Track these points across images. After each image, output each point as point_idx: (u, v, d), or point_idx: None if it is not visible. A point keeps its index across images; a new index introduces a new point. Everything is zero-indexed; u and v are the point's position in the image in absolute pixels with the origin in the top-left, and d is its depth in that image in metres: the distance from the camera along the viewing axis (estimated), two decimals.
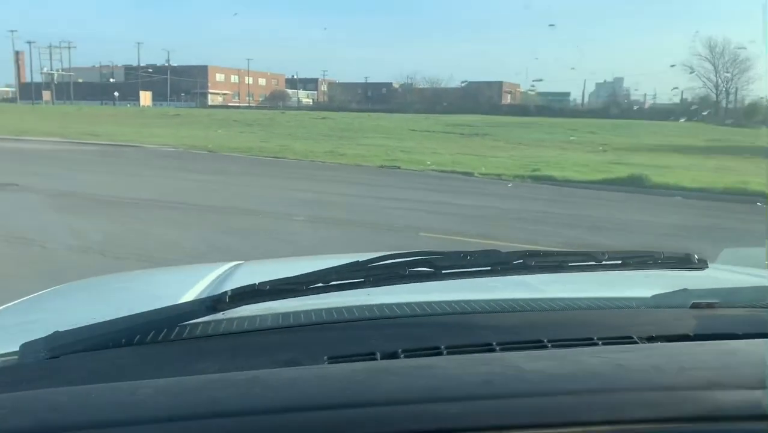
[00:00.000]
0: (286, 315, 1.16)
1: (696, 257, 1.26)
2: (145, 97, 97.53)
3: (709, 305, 1.23)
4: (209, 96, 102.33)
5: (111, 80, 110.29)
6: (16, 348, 0.99)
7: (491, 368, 0.85)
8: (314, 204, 11.00)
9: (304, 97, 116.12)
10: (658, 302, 1.29)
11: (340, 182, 14.43)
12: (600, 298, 1.33)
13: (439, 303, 1.24)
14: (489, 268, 1.11)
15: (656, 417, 0.73)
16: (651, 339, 1.05)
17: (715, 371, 0.85)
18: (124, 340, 1.02)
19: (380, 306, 1.21)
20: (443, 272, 1.09)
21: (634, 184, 14.56)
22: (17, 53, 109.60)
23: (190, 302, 1.14)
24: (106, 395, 0.79)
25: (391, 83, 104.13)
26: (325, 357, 0.95)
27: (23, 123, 34.57)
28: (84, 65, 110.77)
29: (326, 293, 1.06)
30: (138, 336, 1.03)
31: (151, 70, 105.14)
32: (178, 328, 1.07)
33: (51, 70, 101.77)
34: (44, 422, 0.72)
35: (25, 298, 1.63)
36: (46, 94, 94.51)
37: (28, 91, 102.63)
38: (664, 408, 0.75)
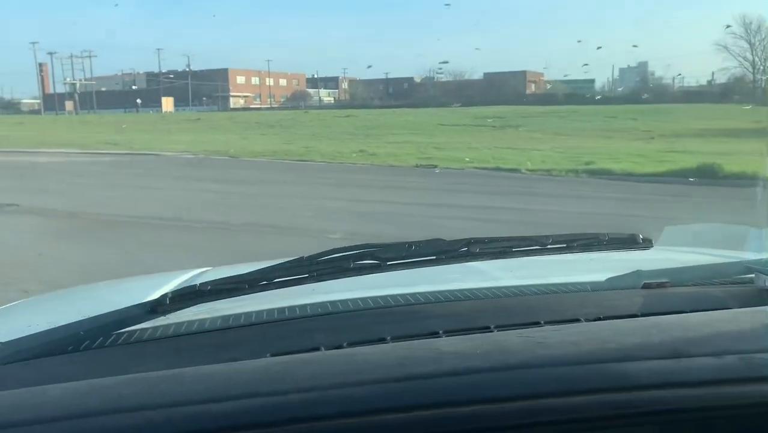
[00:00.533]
0: (229, 317, 1.15)
1: (641, 236, 1.26)
2: (167, 103, 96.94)
3: (660, 285, 1.24)
4: (231, 99, 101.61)
5: (133, 87, 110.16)
6: None
7: (411, 352, 0.87)
8: (350, 216, 9.48)
9: (326, 96, 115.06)
10: (610, 285, 1.30)
11: (375, 187, 12.85)
12: (551, 284, 1.33)
13: (384, 297, 1.23)
14: (434, 257, 1.10)
15: (567, 390, 0.76)
16: (598, 320, 1.05)
17: (636, 344, 0.86)
18: (67, 347, 1.01)
19: (324, 303, 1.21)
20: (388, 263, 1.08)
21: (708, 175, 12.75)
22: (40, 65, 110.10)
23: (131, 306, 1.07)
24: (15, 397, 0.79)
25: (412, 78, 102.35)
26: (268, 354, 0.93)
27: (43, 135, 33.58)
28: (106, 74, 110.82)
29: (270, 290, 1.04)
30: (77, 343, 1.02)
31: (172, 75, 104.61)
32: (118, 333, 1.06)
33: (73, 80, 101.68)
34: None
35: None
36: (69, 105, 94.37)
37: (52, 102, 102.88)
38: (575, 382, 0.77)
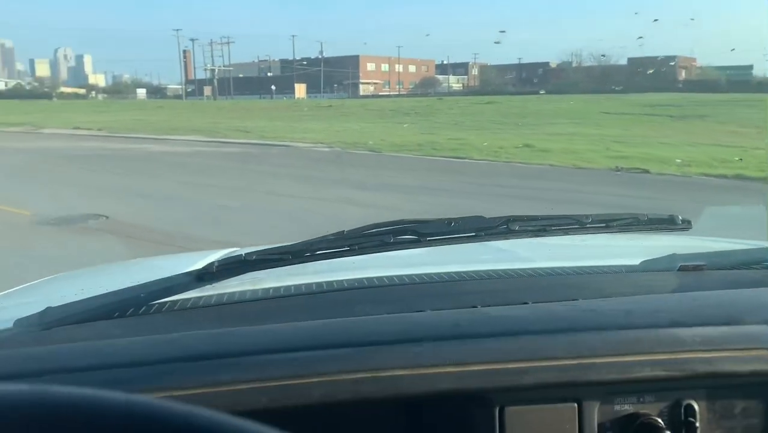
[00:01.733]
0: (270, 289, 1.15)
1: (680, 217, 1.23)
2: (300, 90, 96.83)
3: (696, 268, 1.22)
4: (360, 86, 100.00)
5: (268, 74, 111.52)
6: (11, 325, 0.98)
7: (463, 315, 0.90)
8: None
9: (455, 82, 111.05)
10: (646, 267, 1.29)
11: (585, 204, 8.77)
12: (587, 266, 1.31)
13: (424, 274, 1.23)
14: (473, 234, 1.08)
15: (618, 352, 0.78)
16: (664, 294, 1.06)
17: (685, 312, 0.88)
18: (114, 313, 1.01)
19: (365, 278, 1.20)
20: (428, 238, 1.06)
21: None
22: (184, 52, 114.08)
23: (178, 275, 1.06)
24: (76, 348, 0.81)
25: (547, 63, 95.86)
26: (342, 318, 0.93)
27: (176, 119, 32.15)
28: (243, 61, 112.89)
29: (312, 261, 1.04)
30: (125, 309, 1.02)
31: (305, 62, 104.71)
32: (164, 302, 1.06)
33: (213, 66, 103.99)
34: (19, 367, 0.76)
35: (24, 285, 1.60)
36: (208, 90, 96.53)
37: (194, 88, 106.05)
38: (626, 344, 0.79)
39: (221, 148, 18.08)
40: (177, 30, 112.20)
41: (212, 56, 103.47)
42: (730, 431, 0.84)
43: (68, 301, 1.02)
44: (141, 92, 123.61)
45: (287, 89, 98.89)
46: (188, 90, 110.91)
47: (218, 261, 1.02)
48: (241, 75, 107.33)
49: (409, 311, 0.97)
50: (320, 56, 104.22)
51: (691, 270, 1.22)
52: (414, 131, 22.67)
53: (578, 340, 0.80)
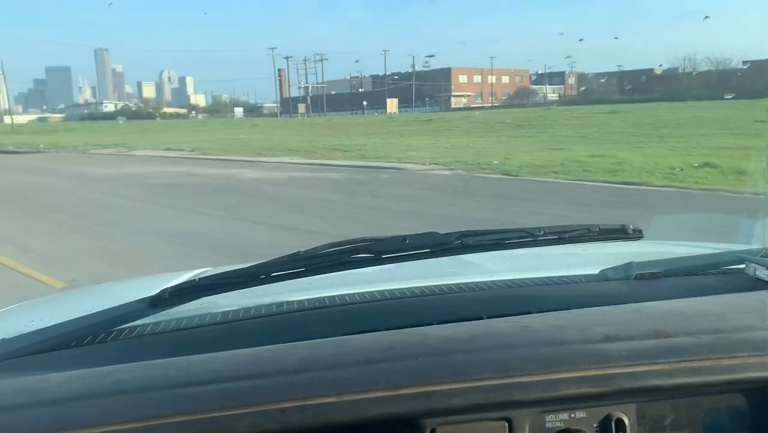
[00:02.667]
0: (228, 312, 1.13)
1: (631, 227, 1.23)
2: (392, 105, 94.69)
3: (652, 275, 1.23)
4: (452, 99, 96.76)
5: (359, 90, 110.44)
6: None
7: (401, 337, 0.88)
8: None
9: (551, 92, 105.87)
10: (603, 276, 1.28)
11: None
12: (544, 277, 1.30)
13: (380, 291, 1.22)
14: (428, 250, 1.07)
15: (546, 369, 0.78)
16: (592, 308, 1.05)
17: (618, 327, 0.88)
18: (71, 343, 1.00)
19: (321, 297, 1.19)
20: (383, 256, 1.05)
21: None
22: (279, 70, 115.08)
23: (132, 302, 1.05)
24: (18, 384, 0.81)
25: (651, 69, 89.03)
26: (281, 344, 0.92)
27: (271, 139, 30.00)
28: (334, 78, 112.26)
29: (268, 284, 1.02)
30: (80, 339, 1.01)
31: (396, 77, 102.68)
32: (120, 329, 1.05)
33: (306, 83, 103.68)
34: None
35: None
36: (302, 107, 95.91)
37: (288, 106, 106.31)
38: (554, 361, 0.79)
39: (321, 173, 15.22)
40: (272, 48, 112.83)
41: (306, 74, 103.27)
42: None
43: (23, 332, 1.00)
44: (238, 111, 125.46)
45: (378, 104, 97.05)
46: (282, 108, 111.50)
47: (171, 287, 1.00)
48: (333, 92, 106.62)
49: (364, 330, 0.96)
50: (412, 70, 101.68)
51: (647, 278, 1.22)
52: (537, 146, 19.18)
53: (508, 358, 0.80)
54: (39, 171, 18.83)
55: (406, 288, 1.23)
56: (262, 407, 0.72)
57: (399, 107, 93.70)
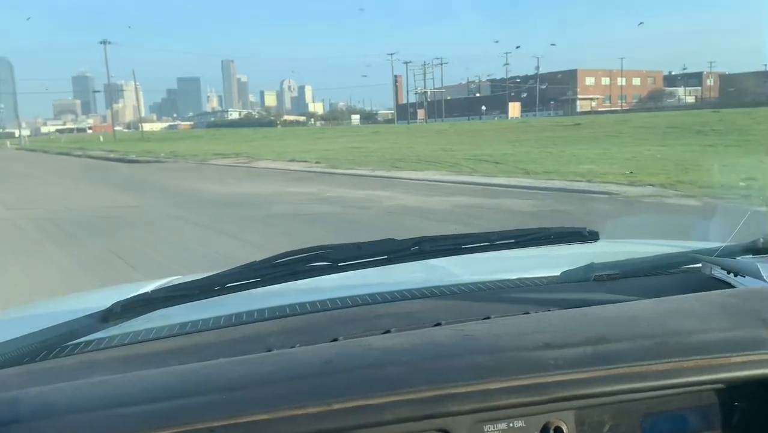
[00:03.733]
0: (183, 324, 1.10)
1: (587, 230, 1.22)
2: (514, 109, 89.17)
3: (610, 277, 1.22)
4: (578, 102, 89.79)
5: (476, 95, 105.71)
6: None
7: (340, 350, 0.87)
8: None
9: (686, 94, 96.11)
10: (563, 278, 1.27)
11: None
12: (505, 279, 1.29)
13: (338, 298, 1.19)
14: (385, 256, 1.06)
15: (480, 378, 0.77)
16: (546, 312, 1.04)
17: (558, 333, 0.86)
18: (21, 360, 0.98)
19: (278, 307, 1.16)
20: (339, 264, 1.04)
21: None
22: (395, 77, 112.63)
23: (83, 317, 1.03)
24: None
25: None
26: (219, 359, 0.89)
27: (398, 147, 26.31)
28: (450, 83, 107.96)
29: (221, 295, 1.00)
30: (32, 355, 0.99)
31: (519, 80, 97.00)
32: (73, 344, 1.03)
33: (424, 88, 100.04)
34: None
35: None
36: (421, 113, 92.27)
37: (404, 112, 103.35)
38: (488, 370, 0.78)
39: (494, 199, 10.94)
40: (391, 54, 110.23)
41: (424, 79, 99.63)
42: None
43: None
44: (355, 118, 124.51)
45: (497, 109, 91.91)
46: (398, 114, 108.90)
47: (123, 301, 0.99)
48: (449, 97, 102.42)
49: (321, 340, 0.95)
50: (536, 71, 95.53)
51: (605, 279, 1.22)
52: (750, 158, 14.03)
53: (444, 368, 0.79)
54: (144, 187, 16.02)
55: (364, 294, 1.20)
56: (192, 426, 0.71)
57: (521, 111, 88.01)
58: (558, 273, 1.28)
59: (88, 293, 2.17)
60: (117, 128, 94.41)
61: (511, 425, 0.79)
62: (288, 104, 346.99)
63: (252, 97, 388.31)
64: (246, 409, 0.72)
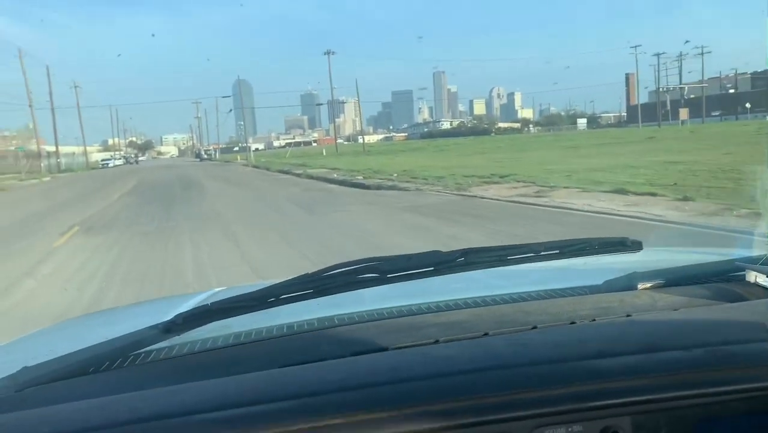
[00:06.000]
0: (239, 334, 1.13)
1: (630, 240, 1.19)
2: None
3: (654, 286, 1.21)
4: None
5: (730, 91, 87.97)
6: None
7: (404, 358, 0.89)
8: None
9: None
10: (606, 288, 1.26)
11: None
12: (548, 289, 1.29)
13: (387, 309, 1.21)
14: (432, 268, 1.06)
15: (542, 386, 0.79)
16: (593, 321, 1.03)
17: (612, 341, 0.89)
18: (89, 369, 1.00)
19: (329, 317, 1.18)
20: (388, 276, 1.04)
21: None
22: (627, 75, 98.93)
23: (146, 328, 1.04)
24: (32, 415, 0.81)
25: None
26: (277, 368, 0.92)
27: (716, 160, 16.49)
28: (689, 79, 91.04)
29: (277, 306, 1.02)
30: (98, 365, 1.01)
31: None
32: (136, 354, 1.05)
33: (681, 84, 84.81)
34: None
35: (6, 342, 1.53)
36: (683, 113, 77.70)
37: (634, 114, 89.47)
38: (549, 378, 0.80)
39: None
40: (635, 47, 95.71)
41: (680, 73, 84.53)
42: None
43: (41, 360, 0.99)
44: (581, 122, 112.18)
45: (761, 107, 74.38)
46: (628, 116, 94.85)
47: (184, 313, 1.00)
48: (692, 96, 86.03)
49: (372, 349, 0.96)
50: None
51: (649, 289, 1.21)
52: None
53: (504, 376, 0.81)
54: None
55: (412, 304, 1.22)
56: (272, 430, 0.72)
57: None
58: (600, 283, 1.27)
59: (144, 304, 2.30)
60: (338, 141, 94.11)
61: (570, 429, 0.79)
62: (497, 111, 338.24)
63: (461, 107, 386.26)
64: (322, 414, 0.74)
